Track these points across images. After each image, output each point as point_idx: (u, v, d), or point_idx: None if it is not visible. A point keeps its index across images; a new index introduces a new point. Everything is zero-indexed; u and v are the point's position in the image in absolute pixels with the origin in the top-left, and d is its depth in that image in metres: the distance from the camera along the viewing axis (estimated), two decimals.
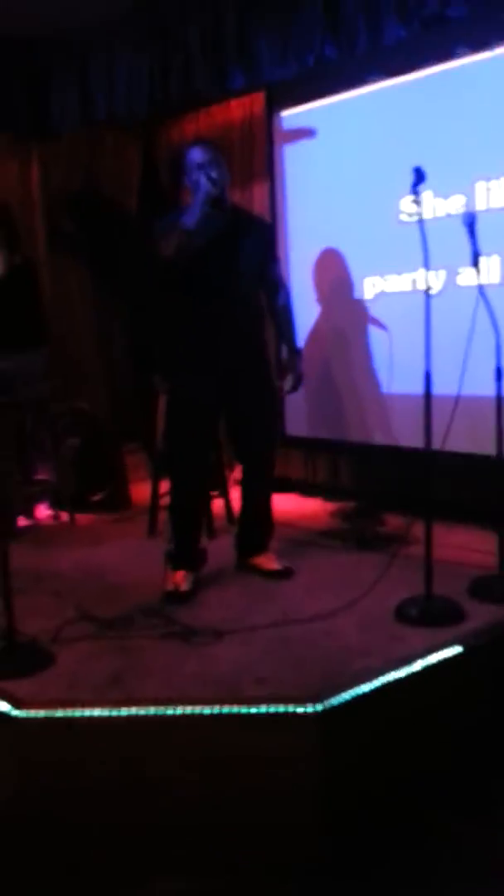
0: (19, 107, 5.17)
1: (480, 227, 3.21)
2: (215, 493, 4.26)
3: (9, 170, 5.44)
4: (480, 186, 4.00)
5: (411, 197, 2.96)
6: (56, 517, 4.69)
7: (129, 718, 2.36)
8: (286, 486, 4.96)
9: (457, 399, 3.14)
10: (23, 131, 5.28)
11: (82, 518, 4.64)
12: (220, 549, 3.66)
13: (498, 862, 2.30)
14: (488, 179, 3.97)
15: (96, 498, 4.86)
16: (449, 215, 4.07)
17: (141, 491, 4.73)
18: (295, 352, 3.53)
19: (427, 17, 3.74)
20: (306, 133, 4.82)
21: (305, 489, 5.04)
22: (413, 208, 3.37)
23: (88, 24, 4.86)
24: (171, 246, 3.18)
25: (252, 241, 3.38)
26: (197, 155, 3.27)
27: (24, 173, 5.52)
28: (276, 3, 4.10)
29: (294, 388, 3.54)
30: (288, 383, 3.52)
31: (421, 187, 2.97)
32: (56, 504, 4.73)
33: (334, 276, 4.71)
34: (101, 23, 4.82)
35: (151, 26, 4.66)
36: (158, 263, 3.28)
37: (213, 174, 3.18)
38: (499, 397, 3.21)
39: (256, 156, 5.19)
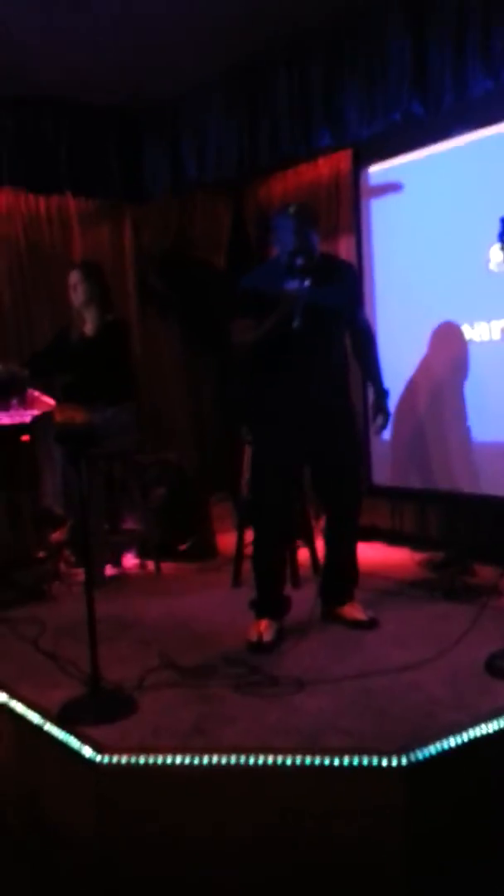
0: (113, 172, 5.39)
1: None
2: (301, 542, 4.24)
3: (102, 232, 5.67)
4: None
5: (499, 245, 2.95)
6: (142, 566, 4.74)
7: (210, 767, 2.34)
8: (372, 535, 4.90)
9: None
10: (116, 195, 5.49)
11: (168, 567, 4.67)
12: (306, 599, 3.61)
13: None
14: None
15: (182, 547, 4.89)
16: None
17: (227, 541, 4.74)
18: (383, 392, 3.53)
19: None
20: (393, 188, 4.86)
21: (392, 538, 4.96)
22: (501, 257, 3.36)
23: (179, 91, 5.07)
24: (249, 333, 3.28)
25: (340, 289, 3.40)
26: (285, 224, 3.29)
27: (117, 235, 5.74)
28: (363, 61, 4.19)
29: (383, 426, 3.53)
30: (378, 422, 3.52)
31: None
32: (143, 553, 4.78)
33: (426, 325, 4.69)
34: (191, 88, 5.01)
35: (240, 91, 4.82)
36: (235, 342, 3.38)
37: (303, 256, 3.20)
38: None
39: (343, 211, 5.27)
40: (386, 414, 3.51)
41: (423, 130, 4.52)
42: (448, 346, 4.60)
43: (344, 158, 5.20)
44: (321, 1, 4.03)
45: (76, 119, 5.18)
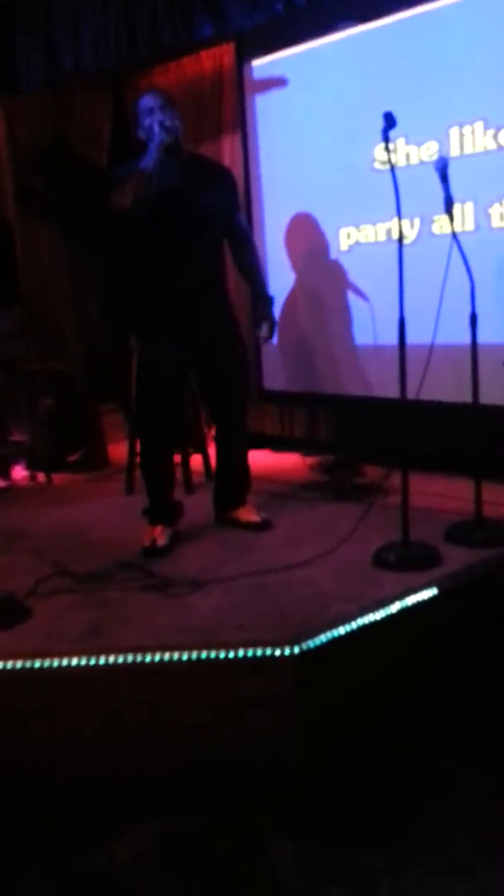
0: None
1: (454, 174, 3.16)
2: (193, 449, 4.25)
3: None
4: (454, 132, 3.95)
5: (384, 144, 2.92)
6: (32, 478, 4.66)
7: (107, 667, 2.36)
8: (261, 442, 4.94)
9: (431, 347, 3.13)
10: None
11: (59, 478, 4.61)
12: (199, 505, 3.64)
13: (479, 801, 2.32)
14: (461, 125, 3.92)
15: (73, 458, 4.83)
16: (422, 163, 4.02)
17: (119, 450, 4.70)
18: (267, 299, 3.50)
19: None
20: (277, 83, 4.74)
21: (281, 444, 5.01)
22: (386, 156, 3.33)
23: None
24: (128, 193, 3.11)
25: (215, 190, 3.33)
26: (147, 102, 3.25)
27: None
28: None
29: (269, 336, 3.51)
30: (263, 331, 3.50)
31: (392, 133, 2.93)
32: (32, 465, 4.70)
33: (311, 228, 4.65)
34: None
35: None
36: (116, 216, 3.23)
37: (166, 121, 3.15)
38: (474, 344, 3.19)
39: (227, 107, 5.11)
40: (271, 321, 3.49)
41: (306, 23, 4.39)
42: (321, 250, 4.59)
43: (227, 52, 5.01)
44: None
45: None
